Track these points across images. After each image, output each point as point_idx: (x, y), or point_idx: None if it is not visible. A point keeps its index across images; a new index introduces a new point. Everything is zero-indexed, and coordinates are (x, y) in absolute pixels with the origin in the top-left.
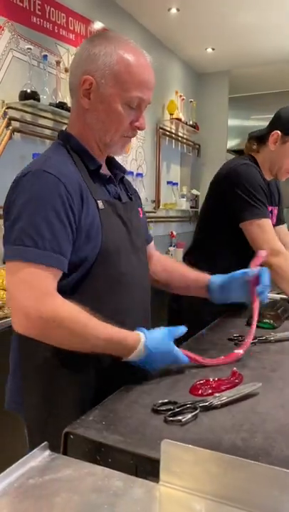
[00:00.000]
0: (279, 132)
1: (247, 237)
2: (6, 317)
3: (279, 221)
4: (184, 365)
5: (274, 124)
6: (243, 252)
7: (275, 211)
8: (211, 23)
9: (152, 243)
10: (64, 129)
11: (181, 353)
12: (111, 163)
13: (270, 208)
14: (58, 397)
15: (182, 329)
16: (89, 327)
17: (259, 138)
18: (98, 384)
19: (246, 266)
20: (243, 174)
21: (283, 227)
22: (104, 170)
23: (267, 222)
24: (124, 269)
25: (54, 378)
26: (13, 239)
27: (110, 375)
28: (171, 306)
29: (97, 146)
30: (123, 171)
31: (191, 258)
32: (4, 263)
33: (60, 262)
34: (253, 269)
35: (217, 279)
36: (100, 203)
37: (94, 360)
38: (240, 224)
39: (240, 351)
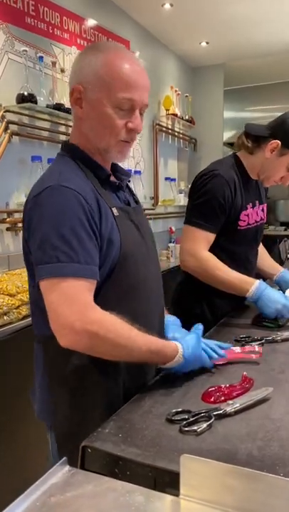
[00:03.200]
0: (279, 143)
1: None
2: (11, 323)
3: None
4: (193, 370)
5: (275, 131)
6: (235, 257)
7: (265, 207)
8: (205, 16)
9: None
10: (67, 139)
11: (208, 359)
12: (115, 168)
13: (261, 206)
14: (87, 407)
15: (201, 327)
16: (132, 338)
17: (256, 138)
18: (125, 390)
19: (239, 270)
20: (209, 179)
21: None
22: (113, 177)
23: (194, 231)
24: (141, 273)
25: (82, 387)
26: (47, 257)
27: (136, 380)
28: (175, 303)
29: (98, 154)
30: (128, 175)
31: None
32: (38, 282)
33: (94, 273)
34: None
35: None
36: (115, 210)
37: (122, 368)
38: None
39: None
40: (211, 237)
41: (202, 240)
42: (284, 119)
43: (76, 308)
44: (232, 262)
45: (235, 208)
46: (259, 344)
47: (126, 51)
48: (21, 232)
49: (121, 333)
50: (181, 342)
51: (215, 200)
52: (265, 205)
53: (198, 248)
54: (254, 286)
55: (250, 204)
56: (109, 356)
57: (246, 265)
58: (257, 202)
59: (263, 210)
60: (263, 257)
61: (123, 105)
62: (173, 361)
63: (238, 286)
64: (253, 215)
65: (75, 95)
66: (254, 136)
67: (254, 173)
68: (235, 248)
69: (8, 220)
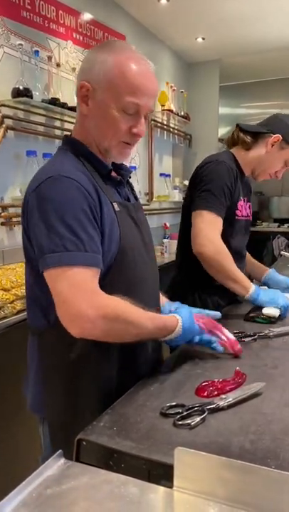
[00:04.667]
0: (280, 137)
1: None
2: (6, 317)
3: None
4: (187, 365)
5: (276, 127)
6: (231, 250)
7: (250, 206)
8: (201, 12)
9: None
10: (69, 134)
11: (201, 331)
12: (116, 164)
13: (248, 204)
14: (81, 398)
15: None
16: (140, 317)
17: (254, 134)
18: (118, 382)
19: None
20: (214, 166)
21: None
22: (113, 173)
23: (211, 216)
24: (139, 268)
25: (76, 378)
26: (54, 246)
27: (130, 372)
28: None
29: (99, 150)
30: (129, 171)
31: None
32: (43, 271)
33: (99, 261)
34: None
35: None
36: (116, 205)
37: (114, 361)
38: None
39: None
40: (221, 223)
41: (218, 226)
42: (281, 117)
43: (86, 296)
44: None
45: (235, 197)
46: (251, 340)
47: (139, 54)
48: (16, 226)
49: (130, 313)
50: (180, 314)
51: (224, 185)
52: (250, 204)
53: (216, 235)
54: (252, 288)
55: (242, 198)
56: (120, 339)
57: (239, 259)
58: (246, 198)
59: (250, 207)
60: (249, 259)
61: (129, 109)
62: (173, 333)
63: (242, 284)
64: (245, 208)
65: (83, 92)
66: (252, 133)
67: (248, 169)
68: (231, 239)
69: (3, 214)
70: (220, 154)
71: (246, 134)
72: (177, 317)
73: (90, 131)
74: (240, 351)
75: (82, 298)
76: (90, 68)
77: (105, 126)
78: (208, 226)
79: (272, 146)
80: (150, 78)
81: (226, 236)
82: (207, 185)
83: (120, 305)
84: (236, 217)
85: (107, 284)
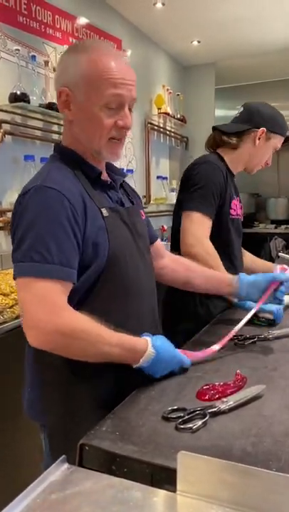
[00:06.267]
0: (264, 129)
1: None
2: (5, 322)
3: None
4: (188, 369)
5: (255, 121)
6: (224, 249)
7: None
8: (196, 15)
9: (159, 242)
10: (60, 140)
11: (183, 356)
12: (109, 168)
13: (240, 204)
14: (78, 404)
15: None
16: (102, 336)
17: (237, 134)
18: (117, 387)
19: (226, 264)
20: (202, 167)
21: None
22: (105, 176)
23: (200, 217)
24: (131, 275)
25: (73, 385)
26: (21, 255)
27: (128, 377)
28: (166, 304)
29: (90, 155)
30: (122, 175)
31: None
32: (15, 279)
33: (69, 275)
34: (282, 273)
35: (246, 276)
36: (104, 211)
37: (111, 366)
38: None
39: (216, 347)
40: (210, 224)
41: (206, 227)
42: (256, 107)
43: (47, 309)
44: (221, 254)
45: (228, 195)
46: (251, 343)
47: (107, 47)
48: None
49: (91, 332)
50: (150, 335)
51: (212, 184)
52: (241, 204)
53: (204, 235)
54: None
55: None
56: (80, 356)
57: (232, 260)
58: (238, 198)
59: (241, 208)
60: (251, 258)
61: (111, 103)
62: (146, 354)
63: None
64: (238, 206)
65: (63, 98)
66: (234, 133)
67: (240, 166)
68: (224, 239)
69: (1, 219)
70: (207, 155)
71: (230, 136)
72: (147, 338)
73: (78, 136)
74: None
75: (42, 310)
76: (64, 72)
77: (91, 126)
78: (196, 226)
79: (259, 139)
80: (125, 68)
81: (219, 235)
82: (195, 186)
83: (81, 322)
84: (230, 216)
85: (96, 294)
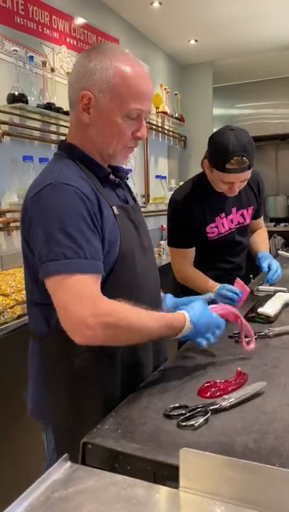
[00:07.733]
0: (207, 162)
1: None
2: (6, 322)
3: (256, 215)
4: (189, 366)
5: (207, 152)
6: (216, 262)
7: (249, 211)
8: (194, 14)
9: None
10: (64, 139)
11: (219, 318)
12: (113, 167)
13: (241, 211)
14: (85, 401)
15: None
16: (142, 318)
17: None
18: (123, 385)
19: (223, 266)
20: (171, 207)
21: (259, 220)
22: (112, 175)
23: (174, 250)
24: (138, 271)
25: (80, 382)
26: (53, 254)
27: (134, 375)
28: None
29: (100, 156)
30: (126, 172)
31: None
32: (44, 279)
33: (100, 268)
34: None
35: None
36: (115, 209)
37: (118, 364)
38: None
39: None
40: (189, 252)
41: (182, 256)
42: (209, 141)
43: (86, 303)
44: (214, 264)
45: (202, 223)
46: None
47: (133, 58)
48: (15, 231)
49: (132, 318)
50: (187, 310)
51: (179, 223)
52: (252, 207)
53: (182, 265)
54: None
55: (223, 214)
56: (124, 342)
57: (229, 260)
58: (234, 209)
59: (242, 214)
60: (254, 237)
61: (132, 114)
62: (184, 329)
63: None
64: (225, 224)
65: (84, 101)
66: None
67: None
68: (212, 254)
69: (0, 220)
70: (181, 187)
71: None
72: (185, 314)
73: (92, 139)
74: (251, 349)
75: (83, 305)
76: (89, 76)
77: (110, 133)
78: (175, 258)
79: (208, 169)
80: (149, 82)
81: (209, 252)
82: (168, 224)
83: (122, 310)
84: (209, 238)
85: (107, 288)
